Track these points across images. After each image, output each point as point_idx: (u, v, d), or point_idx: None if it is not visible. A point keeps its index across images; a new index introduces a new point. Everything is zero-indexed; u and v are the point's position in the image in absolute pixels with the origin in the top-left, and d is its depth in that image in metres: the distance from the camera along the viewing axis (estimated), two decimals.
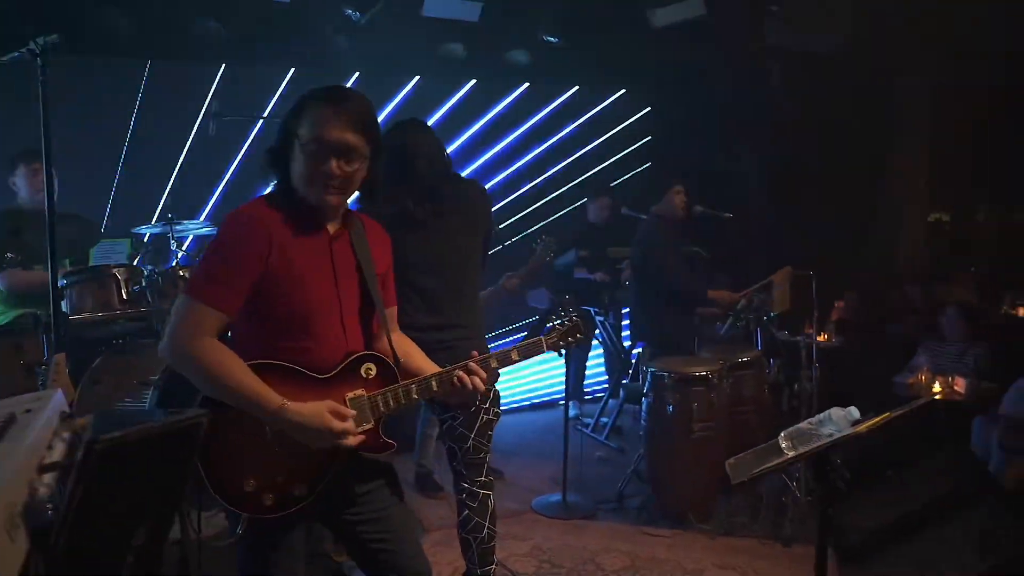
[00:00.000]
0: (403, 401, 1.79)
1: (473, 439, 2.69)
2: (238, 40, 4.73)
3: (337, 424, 1.66)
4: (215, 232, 1.74)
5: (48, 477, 1.02)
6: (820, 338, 4.55)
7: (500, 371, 2.01)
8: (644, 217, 4.54)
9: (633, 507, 3.90)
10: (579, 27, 5.32)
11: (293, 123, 1.69)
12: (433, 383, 1.83)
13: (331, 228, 1.78)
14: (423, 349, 2.01)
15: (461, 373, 1.83)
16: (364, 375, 1.78)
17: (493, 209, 5.66)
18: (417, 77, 5.36)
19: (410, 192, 2.59)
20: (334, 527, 1.90)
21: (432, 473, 4.14)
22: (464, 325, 2.64)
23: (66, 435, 1.25)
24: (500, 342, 5.65)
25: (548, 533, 3.63)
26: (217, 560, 2.14)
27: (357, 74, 5.18)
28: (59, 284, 2.61)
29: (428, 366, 1.93)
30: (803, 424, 1.96)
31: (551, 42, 5.31)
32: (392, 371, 1.82)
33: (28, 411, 1.18)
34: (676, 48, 5.50)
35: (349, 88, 1.75)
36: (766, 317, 4.15)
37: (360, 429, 1.72)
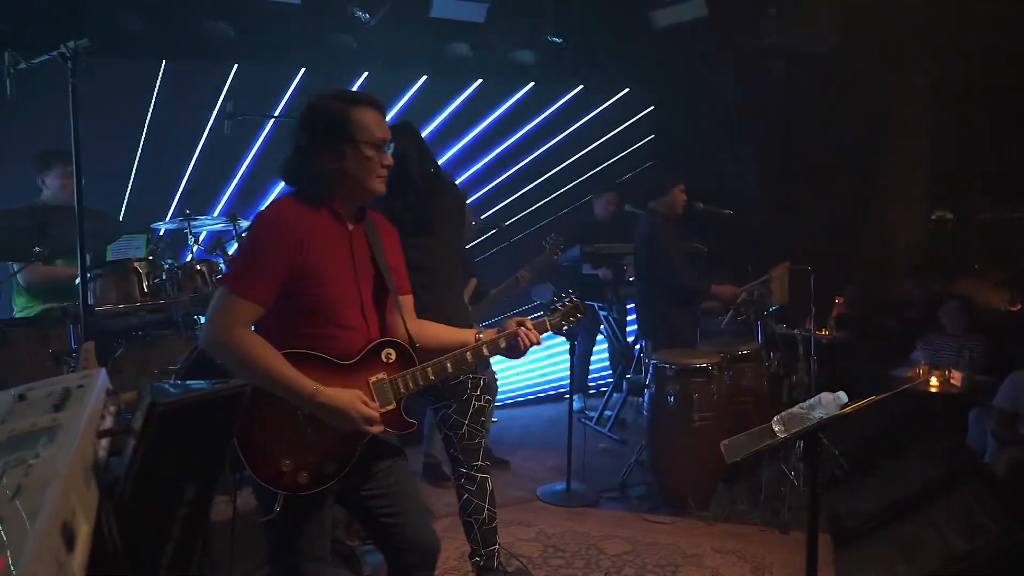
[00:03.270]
0: (421, 382, 1.94)
1: (467, 425, 2.82)
2: (249, 41, 4.84)
3: (366, 410, 1.80)
4: (247, 228, 1.87)
5: (104, 442, 1.14)
6: (820, 332, 4.65)
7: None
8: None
9: (635, 495, 4.01)
10: (583, 28, 5.42)
11: (348, 128, 1.84)
12: (448, 364, 1.97)
13: (349, 225, 1.93)
14: None
15: (522, 334, 2.04)
16: (385, 360, 1.92)
17: (500, 207, 5.77)
18: (424, 77, 5.46)
19: (396, 201, 2.69)
20: (349, 503, 2.01)
21: (440, 463, 4.25)
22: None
23: (112, 408, 1.38)
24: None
25: (553, 520, 3.74)
26: (247, 537, 2.27)
27: (366, 74, 5.29)
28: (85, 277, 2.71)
29: (454, 336, 2.08)
30: (795, 408, 2.06)
31: (556, 43, 5.40)
32: (410, 355, 1.95)
33: (80, 386, 1.30)
34: (679, 48, 5.59)
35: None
36: (766, 311, 4.25)
37: (383, 410, 1.86)
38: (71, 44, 2.37)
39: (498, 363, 4.53)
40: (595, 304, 5.25)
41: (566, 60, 5.62)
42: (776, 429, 2.02)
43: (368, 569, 3.16)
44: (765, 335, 4.39)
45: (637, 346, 4.99)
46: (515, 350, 2.05)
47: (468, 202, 4.23)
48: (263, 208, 1.88)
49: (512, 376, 5.85)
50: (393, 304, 2.01)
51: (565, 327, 2.20)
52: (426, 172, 2.80)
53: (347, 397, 1.79)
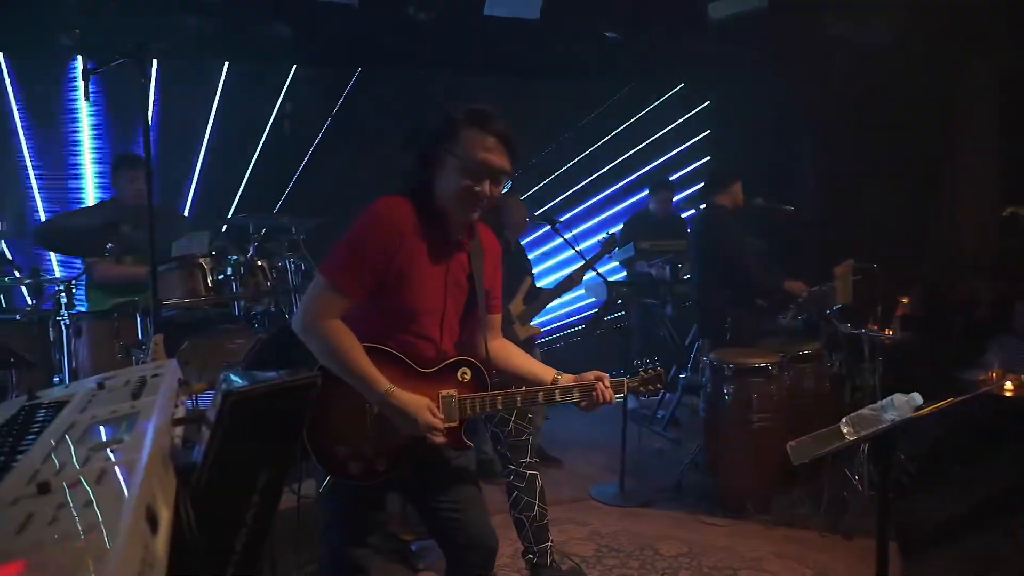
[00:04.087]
0: (488, 409, 1.94)
1: (514, 423, 2.83)
2: (307, 41, 4.94)
3: (431, 419, 1.82)
4: (357, 218, 1.86)
5: (178, 429, 1.16)
6: (887, 332, 4.48)
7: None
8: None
9: (691, 497, 3.94)
10: (638, 22, 5.35)
11: (451, 140, 1.81)
12: (518, 399, 1.96)
13: (455, 238, 1.92)
14: None
15: (599, 389, 1.98)
16: (459, 378, 1.93)
17: (555, 202, 5.73)
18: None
19: None
20: (412, 497, 2.04)
21: (492, 460, 4.25)
22: None
23: (183, 398, 1.41)
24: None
25: (606, 519, 3.71)
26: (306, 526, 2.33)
27: (421, 72, 5.33)
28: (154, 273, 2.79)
29: (533, 368, 2.07)
30: (865, 410, 1.99)
31: (610, 37, 5.35)
32: (484, 379, 1.95)
33: (155, 376, 1.34)
34: (735, 41, 5.48)
35: (497, 112, 1.85)
36: (828, 310, 4.12)
37: (445, 426, 1.87)
38: (142, 46, 2.45)
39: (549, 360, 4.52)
40: (650, 301, 5.18)
41: (621, 55, 5.56)
42: (845, 431, 1.95)
43: (422, 564, 3.19)
44: (827, 335, 4.25)
45: (696, 344, 4.90)
46: (588, 403, 2.00)
47: (520, 198, 4.22)
48: (373, 203, 1.87)
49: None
50: (477, 324, 2.01)
51: (643, 393, 2.16)
52: None
53: (416, 403, 1.81)
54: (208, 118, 4.89)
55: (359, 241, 1.82)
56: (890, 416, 1.89)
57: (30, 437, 1.11)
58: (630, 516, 3.75)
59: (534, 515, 2.87)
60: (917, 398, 1.90)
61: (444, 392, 1.89)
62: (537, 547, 2.91)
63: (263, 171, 4.95)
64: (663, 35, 5.47)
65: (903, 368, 4.73)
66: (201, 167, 4.88)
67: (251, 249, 3.89)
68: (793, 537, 3.45)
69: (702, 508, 3.80)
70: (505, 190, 1.96)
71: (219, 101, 4.91)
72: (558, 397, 1.98)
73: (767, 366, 3.64)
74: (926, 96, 6.18)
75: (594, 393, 1.97)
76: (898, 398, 1.92)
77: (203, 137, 4.86)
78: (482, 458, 4.30)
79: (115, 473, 0.80)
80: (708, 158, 6.30)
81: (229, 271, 3.32)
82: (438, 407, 1.87)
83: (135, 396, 1.17)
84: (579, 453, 4.72)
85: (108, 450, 0.91)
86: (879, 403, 1.96)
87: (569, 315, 6.01)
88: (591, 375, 2.01)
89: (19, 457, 0.98)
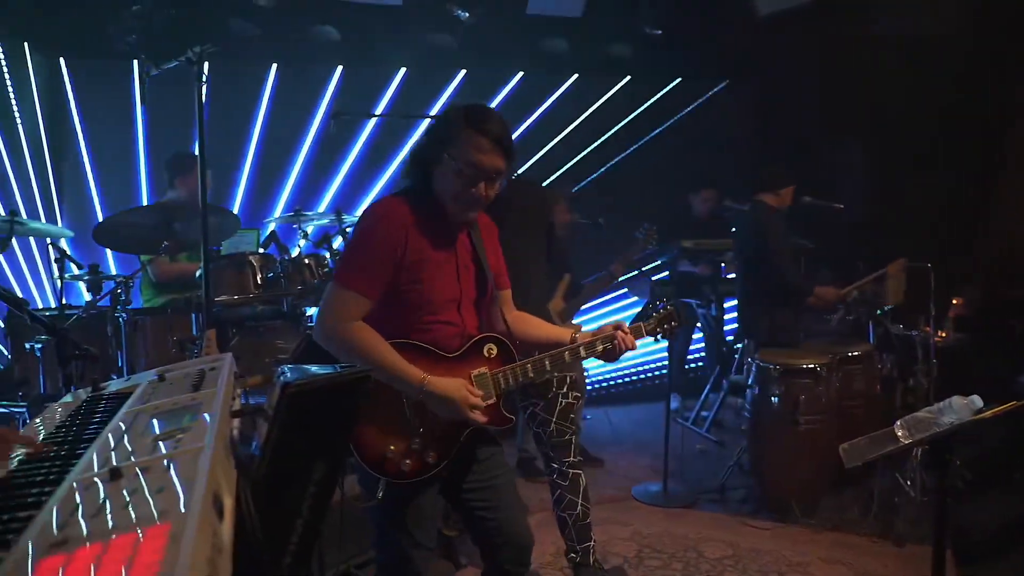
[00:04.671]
0: (520, 379, 1.96)
1: (555, 423, 2.82)
2: (353, 42, 5.01)
3: (471, 398, 1.84)
4: (357, 224, 1.92)
5: (236, 421, 1.19)
6: (940, 334, 4.34)
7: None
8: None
9: (735, 499, 3.89)
10: (681, 18, 5.29)
11: (447, 141, 1.84)
12: (547, 362, 1.98)
13: (456, 226, 1.95)
14: None
15: (619, 338, 2.04)
16: (486, 355, 1.95)
17: (599, 203, 5.67)
18: (521, 73, 5.48)
19: None
20: (449, 494, 2.03)
21: (535, 458, 4.25)
22: None
23: (239, 391, 1.45)
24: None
25: (649, 520, 3.68)
26: (354, 521, 2.36)
27: (464, 72, 5.36)
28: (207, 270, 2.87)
29: (552, 332, 2.09)
30: (921, 412, 1.93)
31: (653, 34, 5.30)
32: (510, 351, 1.97)
33: (213, 369, 1.38)
34: (780, 37, 5.37)
35: (494, 111, 1.88)
36: (879, 311, 4.01)
37: (484, 404, 1.88)
38: (197, 49, 2.51)
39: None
40: (692, 302, 5.12)
41: (664, 52, 5.50)
42: (900, 434, 1.90)
43: (465, 560, 3.21)
44: (877, 336, 4.15)
45: (738, 344, 4.83)
46: (610, 354, 2.05)
47: (563, 199, 4.20)
48: (370, 205, 1.92)
49: (600, 369, 5.80)
50: (492, 301, 2.04)
51: (660, 333, 2.19)
52: None
53: (454, 385, 1.83)
54: (257, 118, 5.00)
55: (365, 242, 1.85)
56: (948, 419, 1.84)
57: (97, 426, 1.15)
58: (672, 517, 3.72)
59: (577, 514, 2.86)
60: (977, 401, 1.84)
61: (475, 371, 1.91)
62: (580, 546, 2.90)
63: (310, 171, 5.04)
64: (707, 31, 5.39)
65: (957, 370, 4.58)
66: (251, 167, 4.99)
67: (297, 247, 3.98)
68: (841, 542, 3.37)
69: (746, 510, 3.75)
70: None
71: (268, 102, 5.01)
72: (583, 353, 2.03)
73: (816, 367, 3.57)
74: (980, 91, 5.98)
75: (615, 343, 2.02)
76: (957, 401, 1.86)
77: (252, 137, 4.97)
78: (523, 456, 4.31)
79: (183, 461, 0.83)
80: (754, 157, 6.18)
81: (279, 268, 3.38)
82: (472, 386, 1.89)
83: (196, 388, 1.21)
84: (621, 453, 4.70)
85: (174, 439, 0.94)
86: (936, 406, 1.90)
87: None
88: (610, 327, 2.06)
89: (89, 445, 1.02)
